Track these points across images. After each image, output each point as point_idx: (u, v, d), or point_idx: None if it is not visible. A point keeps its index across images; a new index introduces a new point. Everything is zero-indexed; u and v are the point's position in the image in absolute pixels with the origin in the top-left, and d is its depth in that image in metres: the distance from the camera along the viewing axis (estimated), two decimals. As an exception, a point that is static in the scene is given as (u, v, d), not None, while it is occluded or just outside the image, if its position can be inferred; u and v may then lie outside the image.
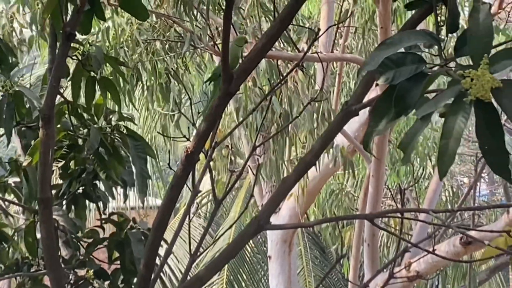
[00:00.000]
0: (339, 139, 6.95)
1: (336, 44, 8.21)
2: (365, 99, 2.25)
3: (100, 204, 3.47)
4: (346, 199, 9.21)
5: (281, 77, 6.37)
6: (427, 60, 1.76)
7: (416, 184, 8.07)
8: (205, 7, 6.36)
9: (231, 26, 2.50)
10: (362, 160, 8.70)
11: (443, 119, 1.68)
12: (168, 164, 3.50)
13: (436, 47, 1.79)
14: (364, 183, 7.61)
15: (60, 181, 3.44)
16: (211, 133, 2.69)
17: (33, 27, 6.49)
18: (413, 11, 2.12)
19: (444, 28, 1.86)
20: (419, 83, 1.67)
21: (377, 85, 2.81)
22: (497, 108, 1.63)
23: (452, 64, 1.75)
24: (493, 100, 1.62)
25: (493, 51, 1.69)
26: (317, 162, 2.82)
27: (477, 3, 1.70)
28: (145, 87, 7.35)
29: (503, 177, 1.65)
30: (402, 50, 1.74)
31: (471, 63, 1.69)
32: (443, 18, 1.91)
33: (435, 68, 1.78)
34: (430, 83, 1.64)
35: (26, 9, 6.48)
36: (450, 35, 1.89)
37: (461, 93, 1.62)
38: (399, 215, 3.41)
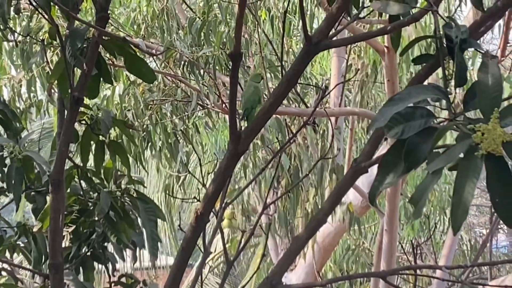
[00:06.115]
0: (352, 195, 6.90)
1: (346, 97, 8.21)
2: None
3: (109, 265, 3.43)
4: (363, 254, 9.10)
5: (288, 134, 6.37)
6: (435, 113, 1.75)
7: (431, 238, 7.97)
8: (211, 67, 6.40)
9: (238, 85, 2.50)
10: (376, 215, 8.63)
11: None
12: (179, 225, 3.48)
13: (444, 100, 1.78)
14: (378, 238, 7.53)
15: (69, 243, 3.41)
16: (221, 194, 2.67)
17: (43, 92, 6.53)
18: (420, 67, 2.12)
19: (451, 81, 1.85)
20: (429, 137, 1.65)
21: (386, 139, 2.79)
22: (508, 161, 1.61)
23: (460, 118, 1.74)
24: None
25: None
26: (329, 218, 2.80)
27: (486, 58, 1.69)
28: (153, 149, 7.32)
29: (515, 230, 1.63)
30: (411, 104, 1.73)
31: (478, 116, 1.68)
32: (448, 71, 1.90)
33: (444, 122, 1.76)
34: (440, 137, 1.63)
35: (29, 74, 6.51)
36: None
37: (471, 147, 1.60)
38: (413, 271, 3.38)
